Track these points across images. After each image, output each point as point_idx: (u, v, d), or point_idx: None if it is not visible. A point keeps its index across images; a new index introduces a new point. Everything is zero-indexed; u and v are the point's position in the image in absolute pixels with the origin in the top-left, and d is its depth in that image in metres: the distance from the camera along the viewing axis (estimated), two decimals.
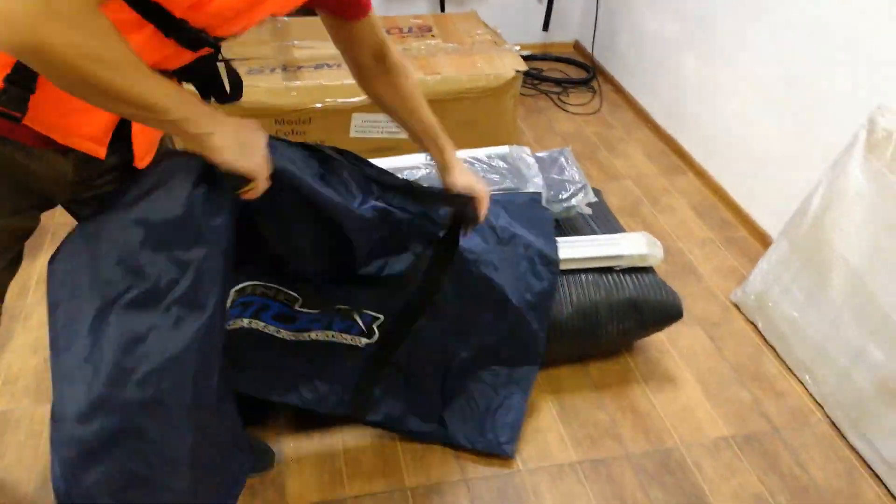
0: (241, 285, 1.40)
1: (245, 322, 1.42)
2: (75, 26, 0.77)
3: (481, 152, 1.89)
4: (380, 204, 1.34)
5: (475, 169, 1.83)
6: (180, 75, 1.07)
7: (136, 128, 1.05)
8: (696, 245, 2.44)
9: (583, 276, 1.80)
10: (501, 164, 1.86)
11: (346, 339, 1.50)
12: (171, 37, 0.94)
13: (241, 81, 1.14)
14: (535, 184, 1.80)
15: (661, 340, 2.06)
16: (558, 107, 3.26)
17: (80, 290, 0.99)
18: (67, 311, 0.99)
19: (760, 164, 2.44)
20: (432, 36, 2.80)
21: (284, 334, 1.46)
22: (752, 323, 2.13)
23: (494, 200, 1.62)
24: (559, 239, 1.79)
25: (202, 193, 1.03)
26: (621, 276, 1.82)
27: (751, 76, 2.45)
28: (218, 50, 1.07)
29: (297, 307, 1.45)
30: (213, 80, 1.11)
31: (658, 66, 3.05)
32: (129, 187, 1.05)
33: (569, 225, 1.91)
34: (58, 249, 1.04)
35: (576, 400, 1.87)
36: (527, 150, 1.93)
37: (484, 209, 1.41)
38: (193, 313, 1.01)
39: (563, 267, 1.78)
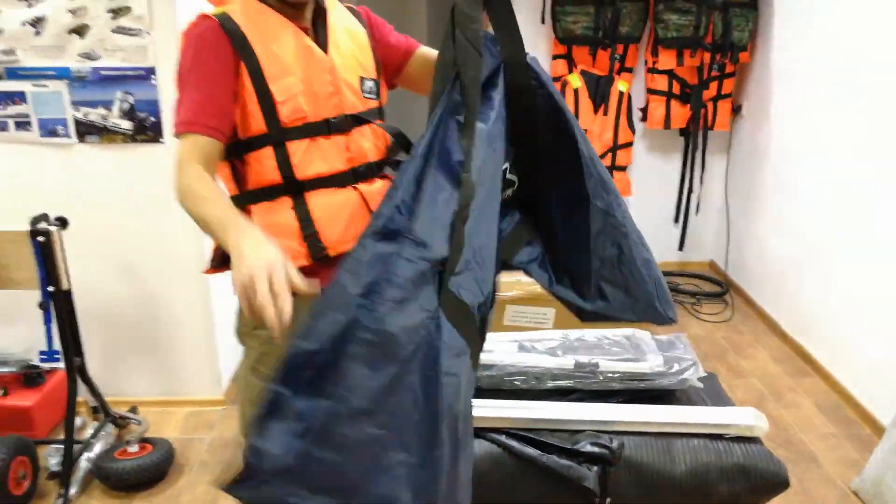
0: None
1: None
2: (180, 175, 1.24)
3: (609, 332, 2.33)
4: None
5: (602, 344, 2.27)
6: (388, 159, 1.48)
7: None
8: (818, 438, 2.61)
9: (694, 441, 2.10)
10: (625, 341, 2.28)
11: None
12: (330, 135, 1.37)
13: (397, 133, 1.49)
14: (652, 359, 2.19)
15: None
16: (692, 314, 3.64)
17: None
18: None
19: (883, 369, 2.64)
20: None
21: None
22: None
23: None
24: (674, 407, 2.13)
25: None
26: (730, 444, 2.09)
27: (870, 290, 2.75)
28: (363, 121, 1.43)
29: None
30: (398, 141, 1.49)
31: (783, 281, 3.39)
32: None
33: (683, 396, 2.24)
34: None
35: None
36: (647, 334, 2.35)
37: None
38: None
39: (676, 430, 2.10)
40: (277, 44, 1.34)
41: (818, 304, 3.08)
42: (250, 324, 1.45)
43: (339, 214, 1.41)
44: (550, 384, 2.20)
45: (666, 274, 3.95)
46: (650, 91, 3.82)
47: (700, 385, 2.23)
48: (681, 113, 3.82)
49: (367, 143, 1.46)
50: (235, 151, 1.37)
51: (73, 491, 2.26)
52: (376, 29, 1.55)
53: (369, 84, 1.47)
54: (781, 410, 2.79)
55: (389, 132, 1.49)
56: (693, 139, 3.90)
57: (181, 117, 1.30)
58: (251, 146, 1.36)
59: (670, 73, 3.74)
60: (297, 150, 1.36)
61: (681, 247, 4.12)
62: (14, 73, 2.42)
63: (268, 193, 1.38)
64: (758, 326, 3.51)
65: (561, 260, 1.51)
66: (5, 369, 2.54)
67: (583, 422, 2.10)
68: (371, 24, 1.55)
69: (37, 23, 2.36)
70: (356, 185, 1.44)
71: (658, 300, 1.48)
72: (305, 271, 1.37)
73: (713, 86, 3.77)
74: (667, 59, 3.68)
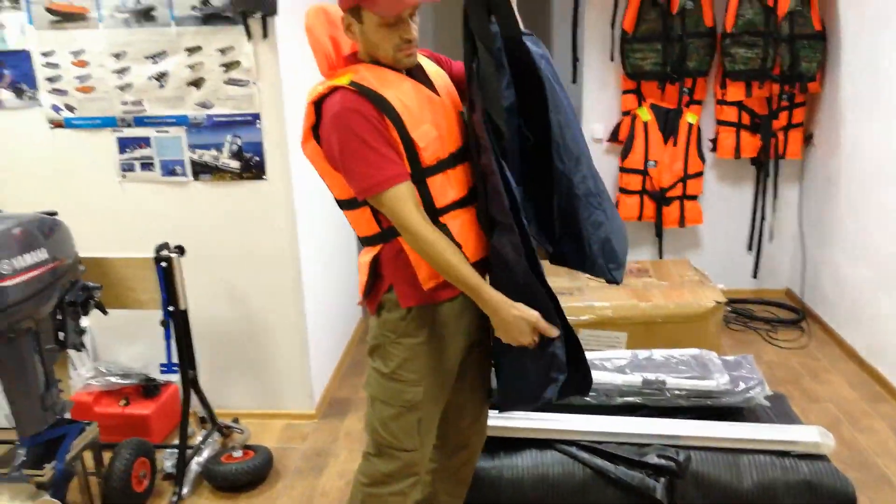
0: None
1: None
2: (415, 233, 1.51)
3: (676, 351, 2.45)
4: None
5: (669, 363, 2.39)
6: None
7: None
8: (893, 461, 2.62)
9: (762, 457, 2.18)
10: (692, 360, 2.39)
11: None
12: (455, 166, 1.62)
13: None
14: (718, 377, 2.29)
15: None
16: (766, 341, 3.67)
17: None
18: None
19: None
20: (649, 275, 3.48)
21: None
22: None
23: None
24: (740, 423, 2.23)
25: None
26: (797, 461, 2.16)
27: None
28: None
29: None
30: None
31: (859, 307, 3.40)
32: None
33: (751, 415, 2.33)
34: None
35: None
36: (714, 354, 2.45)
37: None
38: None
39: (743, 446, 2.19)
40: (407, 97, 1.56)
41: (893, 328, 3.08)
42: (394, 335, 1.67)
43: (471, 230, 1.65)
44: (619, 400, 2.33)
45: (740, 301, 4.00)
46: (720, 122, 3.91)
47: (767, 403, 2.32)
48: (751, 143, 3.89)
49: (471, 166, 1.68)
50: None
51: (185, 490, 2.53)
52: (446, 65, 1.77)
53: (463, 115, 1.69)
54: (856, 434, 2.80)
55: None
56: (764, 168, 3.96)
57: (374, 179, 1.51)
58: None
59: (739, 105, 3.83)
60: (435, 183, 1.59)
61: (754, 274, 4.15)
62: (141, 121, 2.77)
63: None
64: (834, 352, 3.51)
65: (536, 208, 1.80)
66: (127, 381, 2.85)
67: (650, 436, 2.22)
68: (441, 62, 1.77)
69: (161, 77, 2.71)
70: (476, 204, 1.67)
71: (603, 259, 1.76)
72: None
73: (783, 115, 3.83)
74: (735, 91, 3.77)
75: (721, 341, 3.25)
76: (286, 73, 2.72)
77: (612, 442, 2.23)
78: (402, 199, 1.51)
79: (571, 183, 1.71)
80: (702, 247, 4.19)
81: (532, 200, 1.79)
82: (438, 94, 1.64)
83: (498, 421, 2.22)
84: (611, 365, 2.42)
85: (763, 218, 4.06)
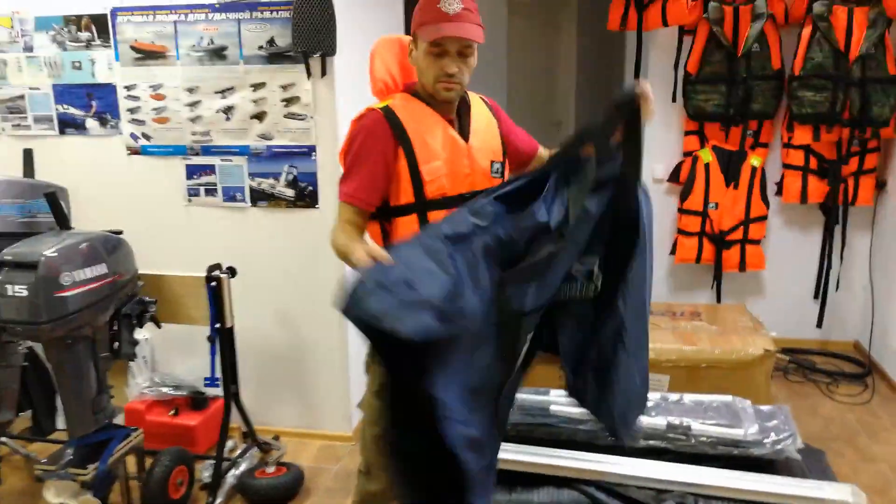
0: None
1: None
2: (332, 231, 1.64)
3: (706, 397, 2.39)
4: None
5: (698, 408, 2.34)
6: None
7: None
8: None
9: None
10: (723, 407, 2.33)
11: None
12: (455, 207, 1.67)
13: None
14: (747, 426, 2.22)
15: None
16: (825, 394, 3.50)
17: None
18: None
19: None
20: (700, 319, 3.41)
21: None
22: None
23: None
24: (765, 476, 2.15)
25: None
26: None
27: None
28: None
29: None
30: None
31: None
32: None
33: (784, 468, 2.24)
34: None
35: None
36: (748, 402, 2.38)
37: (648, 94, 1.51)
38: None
39: (767, 500, 2.11)
40: (430, 134, 1.69)
41: None
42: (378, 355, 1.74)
43: None
44: (643, 443, 2.29)
45: (803, 352, 3.84)
46: (786, 166, 3.80)
47: (797, 457, 2.23)
48: (818, 188, 3.76)
49: None
50: (386, 215, 1.73)
51: (218, 501, 2.65)
52: (503, 122, 1.89)
53: (497, 166, 1.79)
54: None
55: None
56: (833, 214, 3.81)
57: (346, 189, 1.71)
58: (400, 212, 1.71)
59: (807, 149, 3.72)
60: (434, 217, 1.69)
61: (819, 324, 3.97)
62: (207, 150, 2.99)
63: None
64: None
65: (571, 331, 1.69)
66: (178, 393, 3.03)
67: (670, 482, 2.18)
68: (499, 116, 1.88)
69: (227, 110, 2.92)
70: None
71: (617, 416, 1.69)
72: None
73: (853, 161, 3.69)
74: (802, 135, 3.67)
75: (771, 391, 3.13)
76: (341, 109, 2.87)
77: (631, 485, 2.20)
78: (343, 214, 1.70)
79: (626, 333, 1.63)
80: (764, 293, 4.05)
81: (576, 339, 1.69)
82: (468, 140, 1.74)
83: (516, 455, 2.23)
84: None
85: (829, 266, 3.89)
